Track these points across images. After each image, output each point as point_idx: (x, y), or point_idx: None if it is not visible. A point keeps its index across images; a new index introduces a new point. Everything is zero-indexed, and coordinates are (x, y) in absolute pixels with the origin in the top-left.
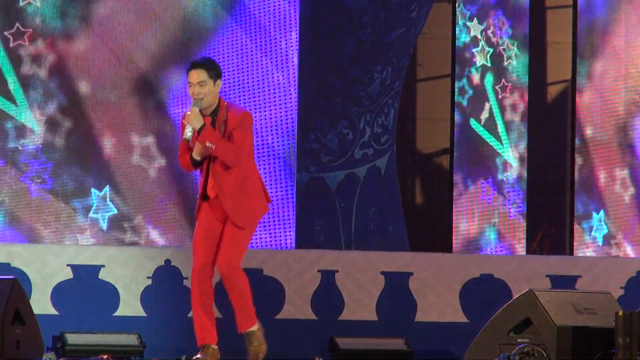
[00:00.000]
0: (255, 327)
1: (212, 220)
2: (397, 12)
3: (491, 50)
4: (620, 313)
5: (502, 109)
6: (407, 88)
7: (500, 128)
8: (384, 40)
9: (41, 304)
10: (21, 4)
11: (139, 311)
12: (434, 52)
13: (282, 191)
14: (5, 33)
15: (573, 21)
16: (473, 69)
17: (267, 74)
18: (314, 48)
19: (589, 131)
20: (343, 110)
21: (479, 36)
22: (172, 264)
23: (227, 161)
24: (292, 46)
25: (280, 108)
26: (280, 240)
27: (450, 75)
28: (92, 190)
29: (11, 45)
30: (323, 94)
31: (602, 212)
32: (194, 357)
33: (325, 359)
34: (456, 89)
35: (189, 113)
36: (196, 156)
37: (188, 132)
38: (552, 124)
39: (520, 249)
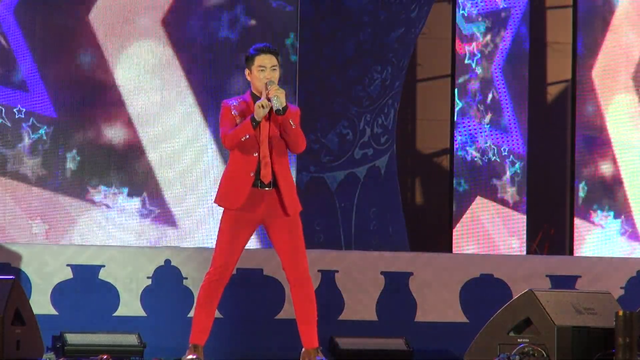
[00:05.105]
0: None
1: (245, 220)
2: (397, 12)
3: None
4: (620, 313)
5: None
6: (407, 88)
7: None
8: (384, 40)
9: (41, 304)
10: None
11: (139, 311)
12: (434, 52)
13: None
14: None
15: (573, 21)
16: None
17: None
18: (314, 48)
19: None
20: (343, 110)
21: None
22: (172, 264)
23: (299, 144)
24: (292, 46)
25: None
26: None
27: (450, 75)
28: None
29: None
30: (323, 94)
31: None
32: (188, 357)
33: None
34: None
35: (276, 89)
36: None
37: (262, 110)
38: (552, 124)
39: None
